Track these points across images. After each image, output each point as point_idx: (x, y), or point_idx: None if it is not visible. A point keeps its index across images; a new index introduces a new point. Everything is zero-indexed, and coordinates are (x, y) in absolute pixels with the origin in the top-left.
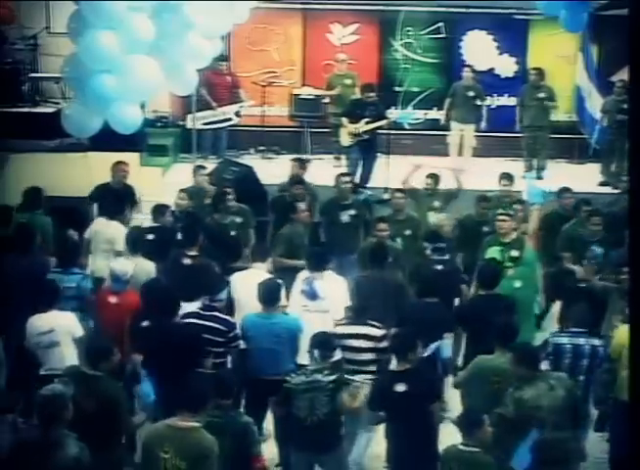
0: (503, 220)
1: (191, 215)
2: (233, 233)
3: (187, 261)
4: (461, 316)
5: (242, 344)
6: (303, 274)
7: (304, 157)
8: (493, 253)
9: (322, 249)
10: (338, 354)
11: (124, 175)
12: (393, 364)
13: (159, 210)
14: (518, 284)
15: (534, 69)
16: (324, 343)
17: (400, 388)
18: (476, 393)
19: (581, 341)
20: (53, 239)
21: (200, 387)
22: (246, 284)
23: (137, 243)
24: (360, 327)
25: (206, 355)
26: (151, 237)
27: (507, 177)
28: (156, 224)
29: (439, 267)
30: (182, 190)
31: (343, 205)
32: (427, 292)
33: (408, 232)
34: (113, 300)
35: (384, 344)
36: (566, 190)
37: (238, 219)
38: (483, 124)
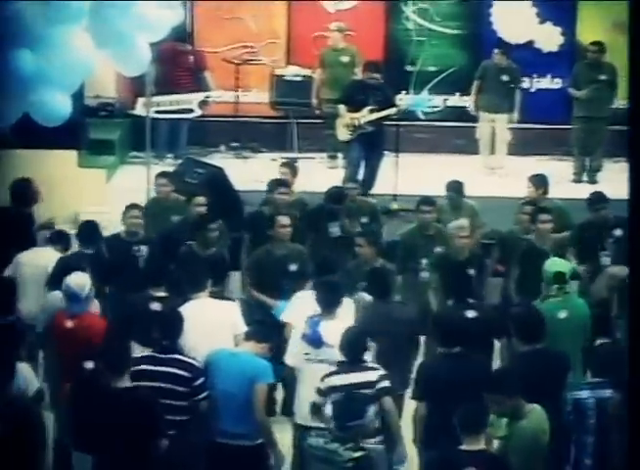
0: None
1: (159, 241)
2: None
3: (156, 307)
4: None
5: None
6: (307, 310)
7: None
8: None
9: (334, 280)
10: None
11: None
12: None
13: (86, 229)
14: (563, 315)
15: (594, 43)
16: (346, 410)
17: None
18: None
19: (607, 393)
20: None
21: None
22: (198, 318)
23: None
24: (353, 374)
25: (163, 434)
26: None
27: (539, 181)
28: (86, 251)
29: (470, 314)
30: (133, 205)
31: (334, 215)
32: (452, 341)
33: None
34: (68, 324)
35: (382, 384)
36: (601, 198)
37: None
38: (516, 115)
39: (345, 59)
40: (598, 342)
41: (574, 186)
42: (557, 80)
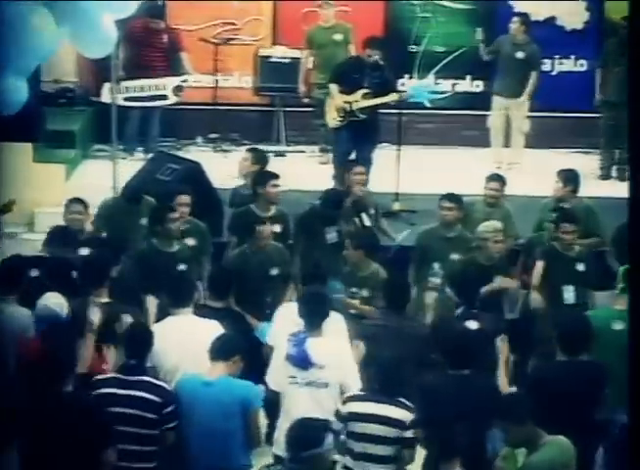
0: None
1: (98, 242)
2: (182, 267)
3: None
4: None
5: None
6: (288, 326)
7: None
8: None
9: (318, 291)
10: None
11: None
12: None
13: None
14: (619, 326)
15: (626, 18)
16: (300, 437)
17: None
18: None
19: None
20: None
21: None
22: (178, 337)
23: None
24: (384, 406)
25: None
26: (35, 273)
27: (568, 177)
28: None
29: (473, 326)
30: (76, 200)
31: (331, 219)
32: (462, 362)
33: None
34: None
35: (409, 434)
36: None
37: (190, 242)
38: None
39: (338, 37)
40: None
41: (601, 183)
42: (582, 62)
